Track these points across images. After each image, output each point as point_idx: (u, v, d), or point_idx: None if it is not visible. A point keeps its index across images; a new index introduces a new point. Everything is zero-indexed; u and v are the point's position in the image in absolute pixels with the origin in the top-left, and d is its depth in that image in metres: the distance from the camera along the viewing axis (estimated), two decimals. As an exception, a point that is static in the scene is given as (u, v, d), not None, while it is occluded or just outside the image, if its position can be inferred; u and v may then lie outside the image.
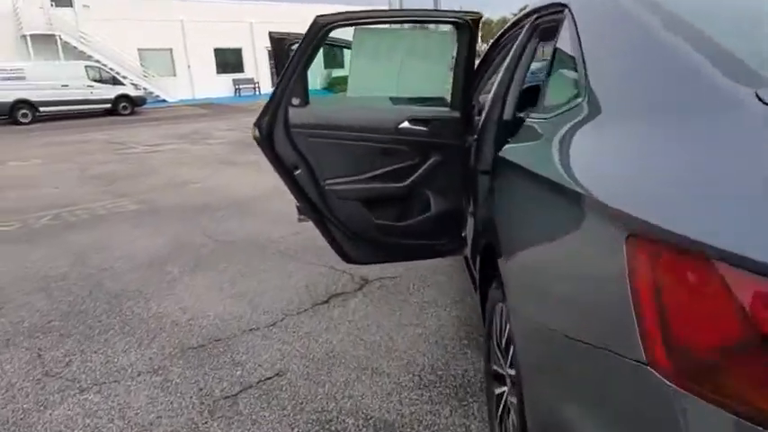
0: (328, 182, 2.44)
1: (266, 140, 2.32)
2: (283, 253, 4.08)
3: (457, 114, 2.49)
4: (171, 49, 24.94)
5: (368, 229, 2.54)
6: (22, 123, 17.27)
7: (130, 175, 7.78)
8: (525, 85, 2.24)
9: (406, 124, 2.44)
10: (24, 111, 17.51)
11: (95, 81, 18.92)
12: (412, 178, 2.51)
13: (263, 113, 2.30)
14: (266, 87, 25.71)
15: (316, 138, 2.36)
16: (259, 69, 27.11)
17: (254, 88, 26.46)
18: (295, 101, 2.29)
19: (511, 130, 1.99)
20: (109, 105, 19.00)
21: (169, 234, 4.73)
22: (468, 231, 2.78)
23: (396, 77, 2.49)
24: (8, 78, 17.30)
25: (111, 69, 20.40)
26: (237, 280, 3.61)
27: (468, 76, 2.48)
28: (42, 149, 10.98)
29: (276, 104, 2.27)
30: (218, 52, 26.17)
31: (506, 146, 1.87)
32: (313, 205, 2.49)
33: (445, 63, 2.47)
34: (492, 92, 2.41)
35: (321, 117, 2.36)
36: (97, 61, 20.88)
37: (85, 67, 19.15)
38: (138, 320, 3.08)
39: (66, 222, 5.31)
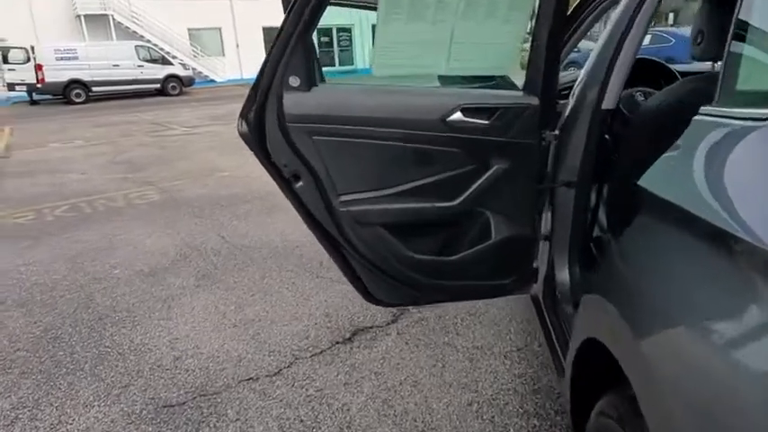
0: (343, 199, 1.71)
1: (255, 138, 1.61)
2: (304, 266, 3.40)
3: (534, 101, 1.69)
4: (220, 29, 24.69)
5: (400, 268, 1.80)
6: (75, 103, 17.40)
7: (162, 159, 7.33)
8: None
9: (457, 116, 1.67)
10: (78, 90, 17.63)
11: (145, 61, 18.83)
12: (466, 194, 1.75)
13: (250, 100, 1.59)
14: (315, 67, 25.10)
15: (324, 135, 1.62)
16: (308, 48, 26.47)
17: (303, 68, 25.84)
18: (293, 81, 1.56)
19: (655, 133, 1.19)
20: (158, 85, 18.88)
21: (182, 233, 4.15)
22: (542, 262, 1.99)
23: (444, 48, 1.71)
24: (62, 59, 17.43)
25: (161, 49, 20.30)
26: (246, 302, 2.96)
27: (555, 45, 1.67)
28: (87, 130, 10.79)
29: (265, 86, 1.55)
30: (267, 31, 25.74)
31: (658, 169, 1.08)
32: (323, 230, 1.77)
33: (520, 25, 1.67)
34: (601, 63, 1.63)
35: (332, 106, 1.62)
36: (148, 41, 20.86)
37: (136, 47, 19.09)
38: (117, 355, 2.48)
39: (81, 215, 4.84)
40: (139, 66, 18.64)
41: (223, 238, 4.00)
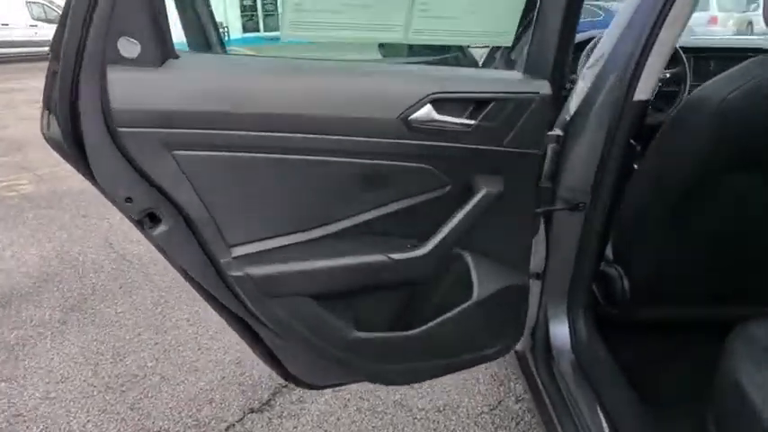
0: (238, 253, 1.02)
1: (71, 147, 0.88)
2: (212, 287, 2.67)
3: (545, 87, 1.08)
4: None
5: (336, 352, 1.15)
6: (-47, 67, 15.11)
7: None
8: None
9: (426, 111, 1.02)
10: (-44, 53, 15.34)
11: (40, 20, 16.69)
12: (440, 235, 1.12)
13: (54, 80, 0.85)
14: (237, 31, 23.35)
15: (194, 148, 0.92)
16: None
17: (226, 33, 24.00)
18: (127, 47, 0.83)
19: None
20: (56, 48, 16.79)
21: (57, 240, 3.27)
22: (530, 305, 1.43)
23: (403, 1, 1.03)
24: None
25: (57, 7, 18.03)
26: (129, 345, 2.21)
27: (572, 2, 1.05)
28: (-41, 101, 9.16)
29: (72, 53, 0.81)
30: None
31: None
32: (212, 298, 1.10)
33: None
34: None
35: (208, 94, 0.91)
36: (43, -3, 18.47)
37: (27, 3, 16.84)
38: None
39: (-75, 215, 3.80)
40: (33, 26, 16.50)
41: (111, 246, 3.17)
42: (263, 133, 0.94)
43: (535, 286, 1.42)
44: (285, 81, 0.98)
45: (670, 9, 1.07)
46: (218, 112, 0.92)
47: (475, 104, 1.04)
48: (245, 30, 18.62)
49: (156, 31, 0.85)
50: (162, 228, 0.97)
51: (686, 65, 1.91)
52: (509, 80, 1.11)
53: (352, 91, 1.01)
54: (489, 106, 1.04)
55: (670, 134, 1.24)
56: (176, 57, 0.89)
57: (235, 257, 1.01)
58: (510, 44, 1.13)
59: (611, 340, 1.41)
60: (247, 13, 24.73)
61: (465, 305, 1.17)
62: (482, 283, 1.17)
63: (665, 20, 1.08)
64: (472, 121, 1.04)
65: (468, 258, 1.17)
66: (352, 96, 1.00)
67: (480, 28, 1.10)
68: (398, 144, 1.00)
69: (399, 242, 1.09)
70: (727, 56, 2.09)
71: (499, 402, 1.85)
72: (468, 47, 1.53)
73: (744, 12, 11.11)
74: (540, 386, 1.42)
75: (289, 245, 1.04)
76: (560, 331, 1.43)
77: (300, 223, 1.04)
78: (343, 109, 0.99)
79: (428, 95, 1.00)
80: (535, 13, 1.07)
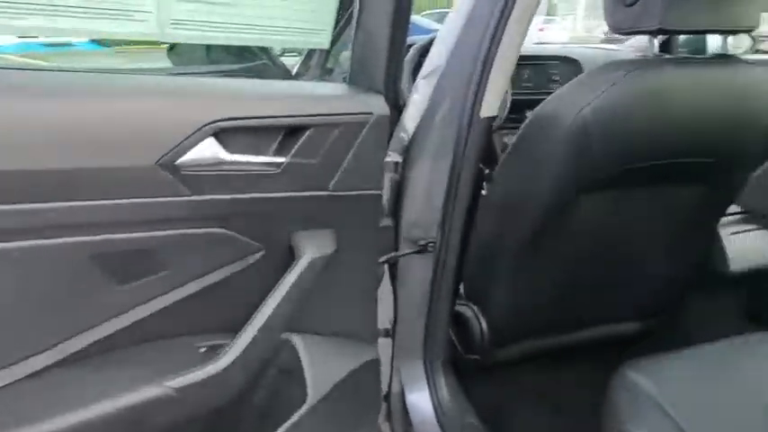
0: None
1: None
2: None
3: (379, 105, 0.80)
4: None
5: None
6: None
7: None
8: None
9: (204, 150, 0.66)
10: None
11: None
12: (254, 328, 0.77)
13: None
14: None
15: None
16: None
17: None
18: None
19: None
20: None
21: None
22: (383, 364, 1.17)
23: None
24: None
25: None
26: None
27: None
28: None
29: None
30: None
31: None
32: None
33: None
34: None
35: None
36: None
37: None
38: None
39: None
40: None
41: None
42: None
43: (385, 344, 1.15)
44: None
45: (513, 6, 0.87)
46: None
47: (284, 134, 0.72)
48: None
49: None
50: None
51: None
52: (331, 97, 0.81)
53: (79, 123, 0.61)
54: (305, 135, 0.73)
55: (519, 156, 1.07)
56: None
57: None
58: (327, 46, 0.82)
59: (476, 393, 1.22)
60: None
61: (299, 414, 0.83)
62: (319, 376, 0.85)
63: (508, 19, 0.88)
64: (282, 159, 0.72)
65: (298, 344, 0.84)
66: (80, 133, 0.60)
67: (283, 23, 0.78)
68: (163, 204, 0.63)
69: (185, 350, 0.72)
70: (532, 63, 1.99)
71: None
72: (276, 51, 1.20)
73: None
74: None
75: None
76: (418, 395, 1.19)
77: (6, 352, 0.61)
78: (68, 156, 0.59)
79: (206, 125, 0.65)
80: (356, 5, 0.78)
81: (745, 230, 1.34)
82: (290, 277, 0.77)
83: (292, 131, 0.74)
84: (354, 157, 0.77)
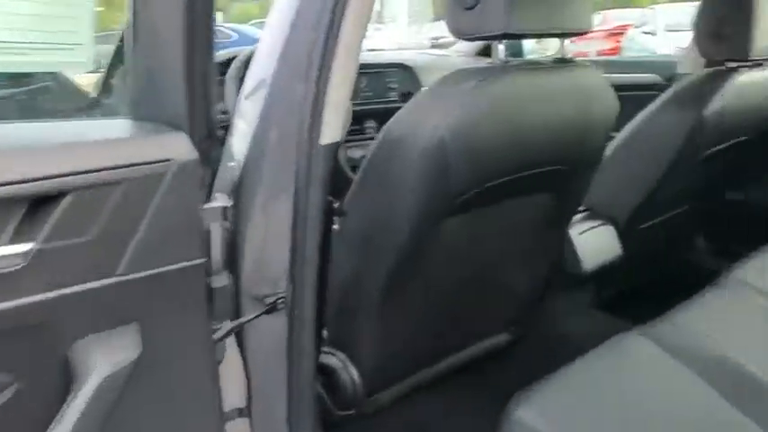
0: None
1: None
2: None
3: (184, 148, 0.58)
4: None
5: None
6: None
7: None
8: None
9: None
10: None
11: None
12: None
13: None
14: None
15: None
16: None
17: None
18: None
19: None
20: None
21: None
22: None
23: None
24: None
25: None
26: None
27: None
28: None
29: None
30: None
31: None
32: None
33: None
34: None
35: None
36: None
37: None
38: None
39: None
40: None
41: None
42: None
43: (240, 427, 0.94)
44: None
45: (346, 5, 0.71)
46: None
47: (28, 207, 0.48)
48: None
49: None
50: None
51: None
52: (108, 141, 0.57)
53: None
54: (62, 205, 0.49)
55: (370, 183, 0.93)
56: None
57: None
58: (90, 67, 0.59)
59: None
60: None
61: None
62: None
63: (342, 21, 0.72)
64: (26, 246, 0.47)
65: None
66: None
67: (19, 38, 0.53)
68: None
69: None
70: (369, 72, 1.87)
71: None
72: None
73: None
74: None
75: None
76: None
77: None
78: None
79: None
80: (130, 11, 0.55)
81: (591, 228, 1.38)
82: (71, 412, 0.52)
83: (39, 202, 0.50)
84: (152, 221, 0.55)
